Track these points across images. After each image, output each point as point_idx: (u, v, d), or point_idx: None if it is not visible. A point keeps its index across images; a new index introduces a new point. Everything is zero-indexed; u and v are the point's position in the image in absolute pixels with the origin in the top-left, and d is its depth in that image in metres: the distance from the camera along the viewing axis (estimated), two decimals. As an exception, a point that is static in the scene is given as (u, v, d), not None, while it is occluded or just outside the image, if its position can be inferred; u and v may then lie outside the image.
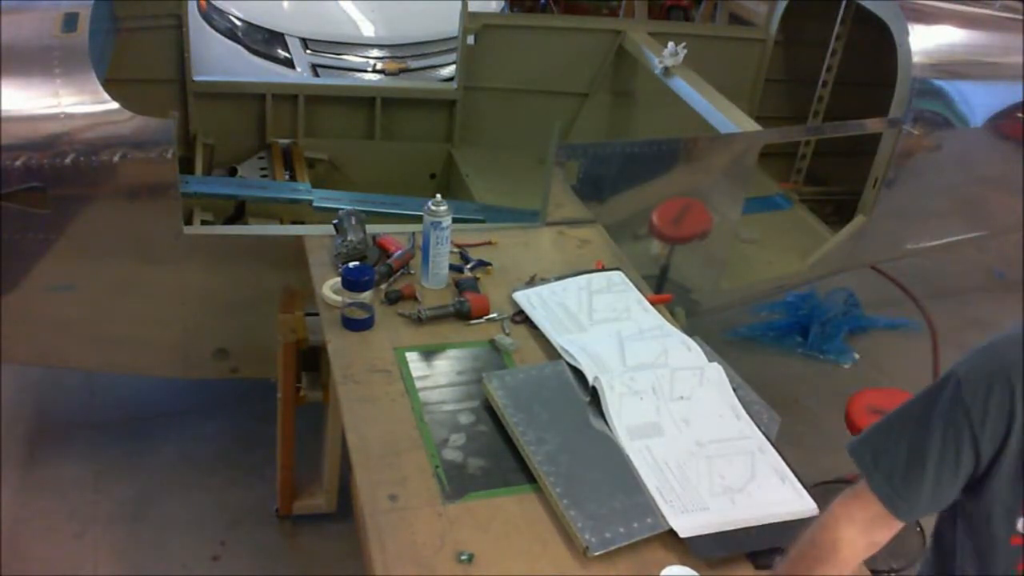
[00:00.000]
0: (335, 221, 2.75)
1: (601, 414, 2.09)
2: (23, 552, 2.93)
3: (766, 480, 1.97)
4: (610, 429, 2.06)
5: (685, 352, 2.30)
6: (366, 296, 2.36)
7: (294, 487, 3.11)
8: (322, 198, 3.52)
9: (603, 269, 2.69)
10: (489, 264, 2.70)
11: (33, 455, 3.31)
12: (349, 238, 2.64)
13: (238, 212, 3.47)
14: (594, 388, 2.13)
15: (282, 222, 3.41)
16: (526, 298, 2.50)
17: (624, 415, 2.07)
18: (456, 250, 2.70)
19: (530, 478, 1.97)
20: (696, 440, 2.05)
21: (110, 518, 3.09)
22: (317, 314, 2.60)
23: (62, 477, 3.22)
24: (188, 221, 3.12)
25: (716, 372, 2.23)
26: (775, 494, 1.94)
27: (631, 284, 2.57)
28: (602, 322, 2.42)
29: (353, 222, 2.70)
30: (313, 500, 3.14)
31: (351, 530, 3.04)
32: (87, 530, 3.05)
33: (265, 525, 3.12)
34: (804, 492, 1.94)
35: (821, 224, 4.01)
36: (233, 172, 3.90)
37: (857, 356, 4.32)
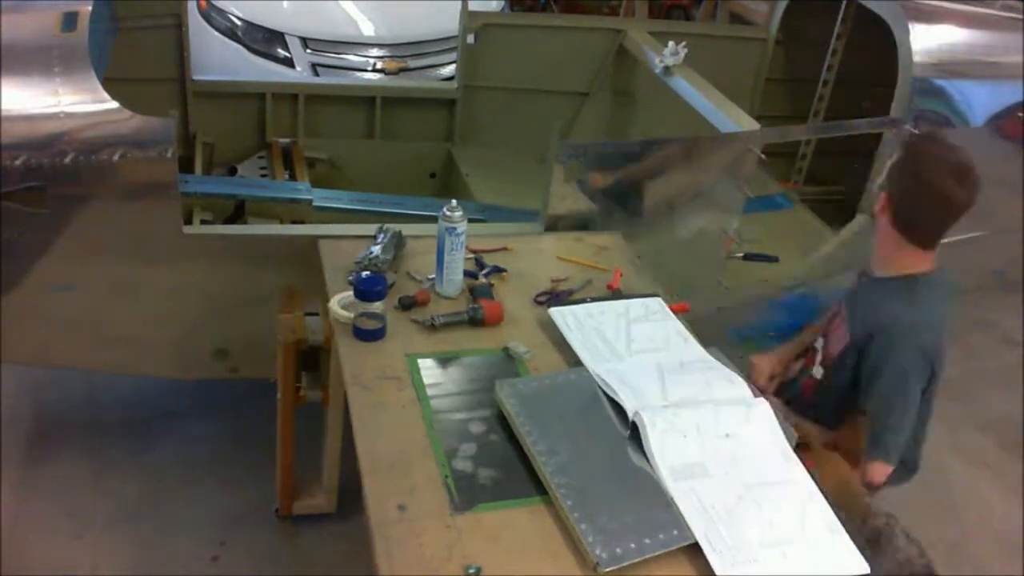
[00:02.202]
0: (377, 227, 2.71)
1: (641, 450, 2.03)
2: (23, 552, 2.93)
3: (816, 532, 1.91)
4: (651, 467, 1.99)
5: (728, 385, 2.23)
6: (378, 307, 2.33)
7: (294, 487, 3.11)
8: (322, 198, 3.52)
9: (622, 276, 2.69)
10: (504, 270, 2.68)
11: (33, 455, 3.30)
12: (375, 253, 2.58)
13: (238, 212, 3.47)
14: (634, 423, 2.07)
15: (282, 222, 3.41)
16: (561, 317, 2.44)
17: (667, 454, 2.00)
18: (471, 256, 2.68)
19: (541, 490, 1.94)
20: (744, 483, 1.98)
21: (110, 518, 3.09)
22: (317, 314, 2.59)
23: (62, 477, 3.22)
24: (188, 221, 3.12)
25: (763, 408, 2.16)
26: (826, 549, 1.89)
27: (669, 312, 2.52)
28: (641, 352, 2.35)
29: (388, 239, 2.64)
30: (313, 500, 3.14)
31: (351, 530, 3.04)
32: (87, 530, 3.04)
33: (265, 525, 3.12)
34: (854, 548, 1.89)
35: (822, 224, 4.01)
36: (233, 172, 3.90)
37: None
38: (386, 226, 2.71)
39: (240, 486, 3.24)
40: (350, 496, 3.06)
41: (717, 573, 1.79)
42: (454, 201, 2.52)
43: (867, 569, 1.86)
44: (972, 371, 4.37)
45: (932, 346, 2.37)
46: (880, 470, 2.37)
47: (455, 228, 2.47)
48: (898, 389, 2.35)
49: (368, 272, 2.46)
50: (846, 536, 1.92)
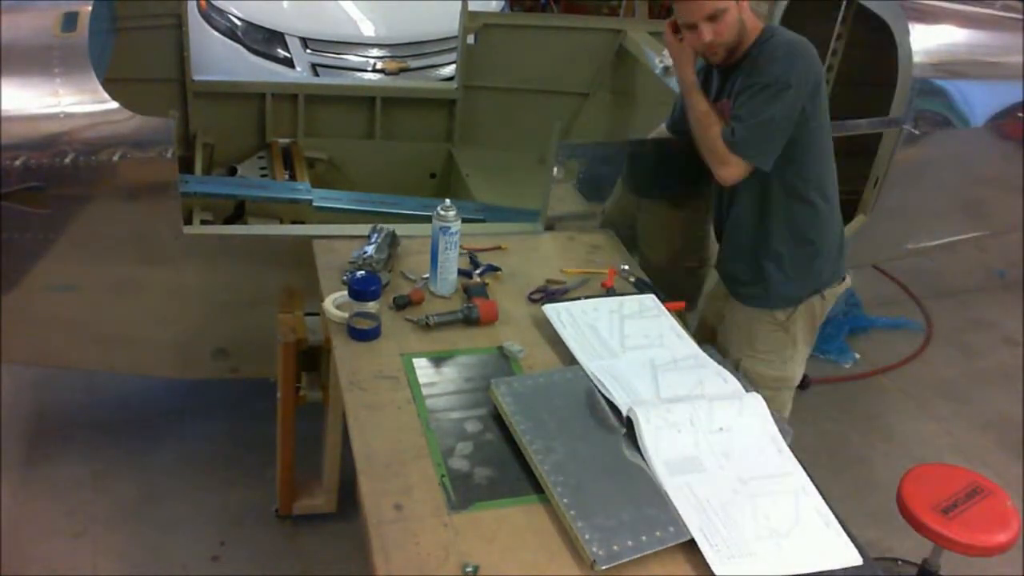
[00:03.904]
0: (371, 227, 2.71)
1: (636, 446, 2.02)
2: (23, 552, 2.93)
3: (811, 524, 1.92)
4: (646, 463, 1.99)
5: (721, 384, 2.23)
6: (372, 306, 2.33)
7: (294, 487, 3.11)
8: (322, 198, 3.52)
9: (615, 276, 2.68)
10: (499, 269, 2.68)
11: (33, 455, 3.30)
12: (369, 252, 2.58)
13: (238, 212, 3.47)
14: (628, 419, 2.07)
15: (282, 222, 3.41)
16: (556, 313, 2.45)
17: (661, 449, 2.00)
18: (464, 252, 2.66)
19: (537, 488, 1.94)
20: (738, 476, 1.99)
21: (110, 518, 3.09)
22: (317, 314, 2.59)
23: (62, 477, 3.22)
24: (188, 221, 3.12)
25: (756, 402, 2.16)
26: (821, 541, 1.89)
27: (664, 309, 2.52)
28: (634, 349, 2.35)
29: (381, 238, 2.64)
30: (313, 500, 3.14)
31: (351, 530, 3.04)
32: (87, 530, 3.05)
33: (265, 525, 3.12)
34: (848, 540, 1.90)
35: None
36: (233, 172, 3.90)
37: (857, 356, 4.32)
38: (380, 226, 2.71)
39: (240, 486, 3.24)
40: (350, 496, 3.07)
41: (714, 569, 1.79)
42: (448, 200, 2.52)
43: (860, 560, 1.86)
44: (972, 371, 4.38)
45: (813, 67, 2.57)
46: (736, 162, 2.54)
47: (449, 227, 2.46)
48: (770, 93, 2.49)
49: (362, 272, 2.46)
50: (840, 528, 1.93)
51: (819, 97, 2.59)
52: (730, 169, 2.55)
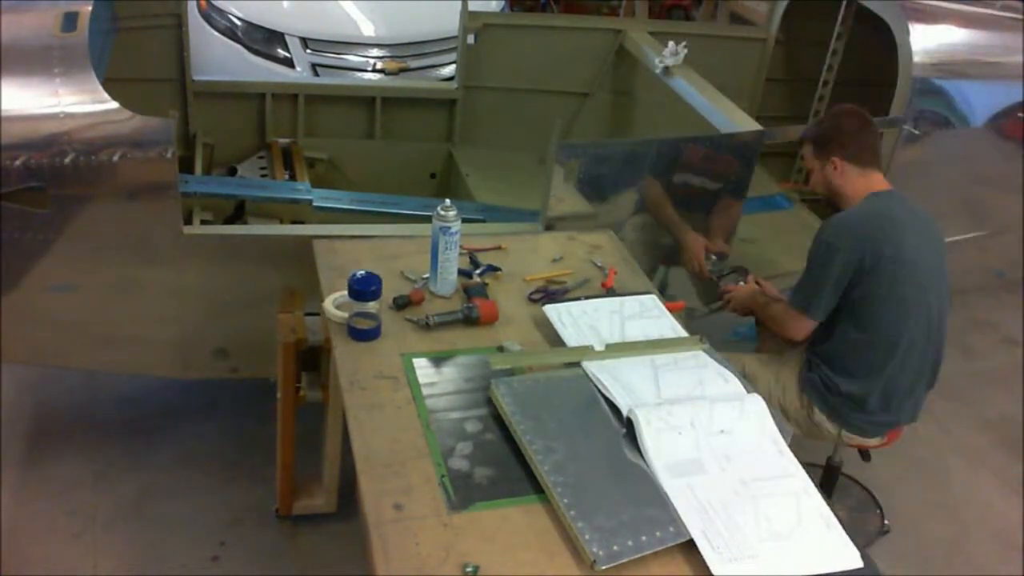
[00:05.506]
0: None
1: (637, 447, 2.03)
2: (23, 552, 2.93)
3: (812, 526, 1.92)
4: (647, 464, 2.00)
5: (722, 383, 2.24)
6: (372, 306, 2.33)
7: (294, 487, 3.11)
8: (322, 198, 3.52)
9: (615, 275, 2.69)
10: (499, 269, 2.68)
11: (33, 455, 3.30)
12: None
13: (238, 212, 3.47)
14: (629, 420, 2.07)
15: (282, 222, 3.41)
16: (556, 313, 2.46)
17: (663, 452, 2.01)
18: (464, 252, 2.67)
19: (538, 488, 1.94)
20: (740, 478, 1.99)
21: (110, 518, 3.09)
22: (317, 314, 2.59)
23: (62, 477, 3.22)
24: (188, 221, 3.12)
25: (757, 403, 2.17)
26: (822, 543, 1.89)
27: (664, 310, 2.53)
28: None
29: None
30: (313, 500, 3.14)
31: (351, 530, 3.04)
32: (87, 530, 3.05)
33: (265, 525, 3.12)
34: (850, 542, 1.90)
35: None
36: (233, 172, 3.90)
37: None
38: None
39: (240, 486, 3.24)
40: (350, 496, 3.07)
41: (713, 571, 1.79)
42: (448, 200, 2.52)
43: (860, 563, 1.86)
44: (972, 371, 4.37)
45: (858, 231, 2.71)
46: (798, 319, 2.78)
47: (449, 227, 2.46)
48: (817, 256, 2.72)
49: (362, 272, 2.46)
50: (841, 530, 1.93)
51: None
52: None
